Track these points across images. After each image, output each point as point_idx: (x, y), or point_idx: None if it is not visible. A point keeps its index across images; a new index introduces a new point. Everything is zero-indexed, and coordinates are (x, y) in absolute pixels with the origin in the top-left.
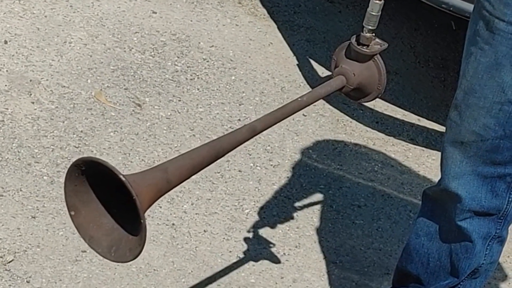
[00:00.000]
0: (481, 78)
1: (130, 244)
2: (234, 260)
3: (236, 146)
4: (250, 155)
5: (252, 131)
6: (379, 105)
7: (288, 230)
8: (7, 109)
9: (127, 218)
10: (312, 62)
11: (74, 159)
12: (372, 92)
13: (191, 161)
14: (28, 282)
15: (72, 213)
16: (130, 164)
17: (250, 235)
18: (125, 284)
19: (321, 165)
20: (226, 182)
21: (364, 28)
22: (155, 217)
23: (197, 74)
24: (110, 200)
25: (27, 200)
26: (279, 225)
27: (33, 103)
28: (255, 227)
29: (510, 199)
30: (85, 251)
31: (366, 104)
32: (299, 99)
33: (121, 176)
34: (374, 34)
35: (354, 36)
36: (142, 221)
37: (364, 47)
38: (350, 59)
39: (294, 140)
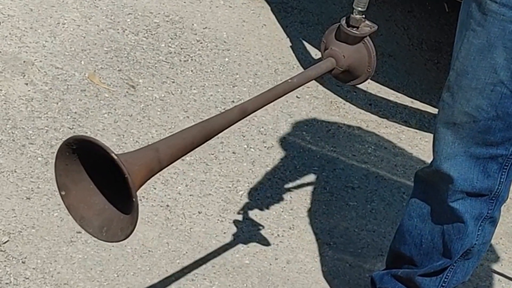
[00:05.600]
0: (473, 59)
1: (121, 223)
2: (229, 242)
3: (227, 127)
4: (244, 136)
5: (243, 111)
6: (372, 87)
7: (282, 211)
8: (0, 90)
9: (118, 197)
10: (306, 44)
11: None
12: (362, 74)
13: (183, 141)
14: (23, 262)
15: (63, 192)
16: (125, 146)
17: (244, 216)
18: (120, 265)
19: (314, 147)
20: (220, 163)
21: (354, 10)
22: (150, 199)
23: (191, 55)
24: (101, 179)
25: (21, 181)
26: (273, 207)
27: (26, 84)
28: (249, 208)
29: (502, 180)
30: (80, 232)
31: (359, 86)
32: (289, 80)
33: (113, 155)
34: (364, 16)
35: (344, 18)
36: (134, 199)
37: (354, 29)
38: (340, 41)
39: (287, 122)
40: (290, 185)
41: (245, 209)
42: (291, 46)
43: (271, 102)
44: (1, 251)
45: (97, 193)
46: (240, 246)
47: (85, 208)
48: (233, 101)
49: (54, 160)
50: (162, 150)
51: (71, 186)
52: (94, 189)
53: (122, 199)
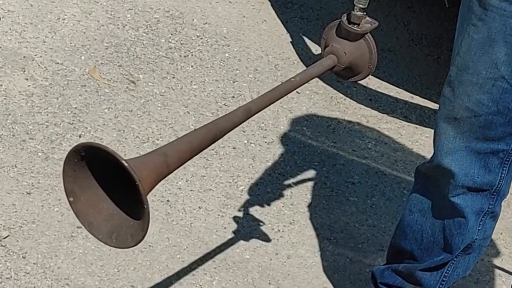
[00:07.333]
0: (474, 54)
1: (131, 229)
2: (229, 237)
3: (232, 128)
4: (244, 132)
5: (248, 112)
6: (372, 83)
7: (283, 206)
8: (1, 85)
9: (127, 202)
10: (306, 39)
11: (68, 136)
12: (363, 71)
13: (190, 145)
14: (24, 257)
15: (71, 199)
16: (125, 141)
17: (245, 211)
18: (120, 260)
19: (315, 142)
20: (220, 159)
21: (355, 7)
22: (150, 194)
23: (191, 51)
24: (108, 184)
25: (22, 176)
26: (273, 202)
27: (27, 79)
28: (250, 203)
29: (503, 175)
30: (80, 227)
31: (359, 81)
32: (292, 79)
33: (123, 162)
34: (365, 13)
35: (345, 14)
36: (145, 206)
37: (355, 25)
38: (340, 38)
39: (288, 117)
40: (291, 180)
41: (245, 204)
42: (291, 42)
43: (275, 101)
44: (2, 246)
45: (106, 198)
46: (241, 241)
47: (93, 214)
48: (233, 97)
49: (54, 156)
50: (170, 154)
51: (79, 192)
52: (102, 195)
53: (131, 204)
